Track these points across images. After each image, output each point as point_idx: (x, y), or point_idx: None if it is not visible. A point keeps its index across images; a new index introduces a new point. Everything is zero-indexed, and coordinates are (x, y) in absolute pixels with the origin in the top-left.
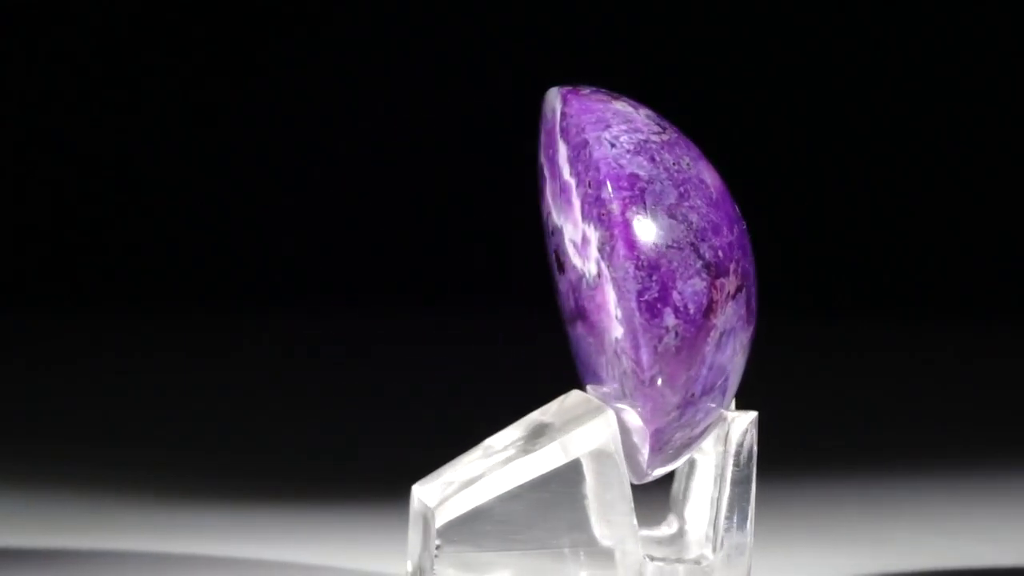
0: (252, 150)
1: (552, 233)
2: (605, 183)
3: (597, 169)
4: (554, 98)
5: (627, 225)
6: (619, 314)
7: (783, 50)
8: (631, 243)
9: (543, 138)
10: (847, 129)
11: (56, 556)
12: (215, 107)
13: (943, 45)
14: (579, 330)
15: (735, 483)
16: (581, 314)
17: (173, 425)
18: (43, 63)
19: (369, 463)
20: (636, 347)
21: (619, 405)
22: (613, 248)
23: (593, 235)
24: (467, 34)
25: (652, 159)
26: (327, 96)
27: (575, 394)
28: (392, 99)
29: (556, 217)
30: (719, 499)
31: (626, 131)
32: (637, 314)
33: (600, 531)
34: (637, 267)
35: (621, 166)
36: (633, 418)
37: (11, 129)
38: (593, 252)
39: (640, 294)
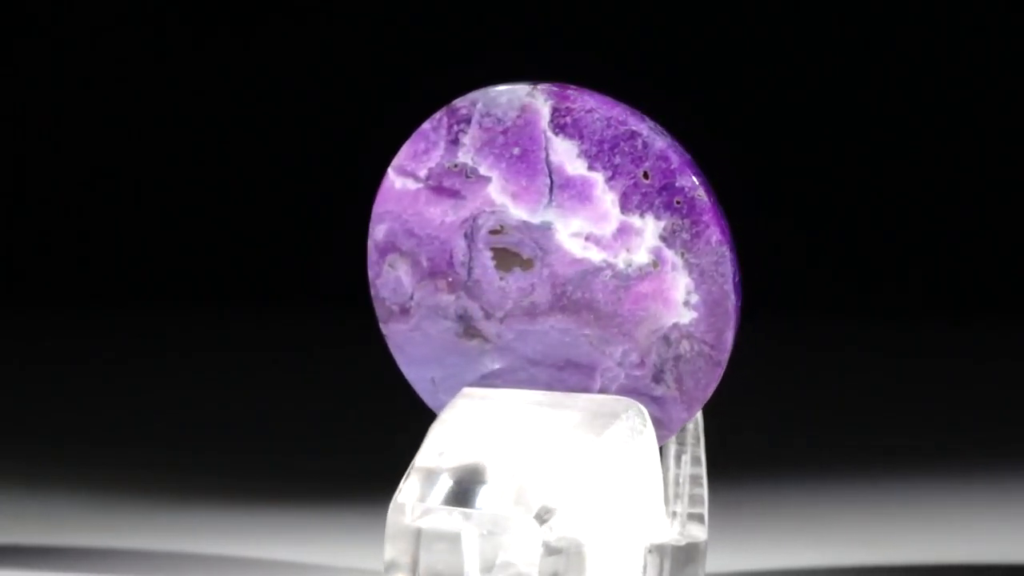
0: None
1: (493, 231)
2: (682, 171)
3: (666, 159)
4: (523, 96)
5: (715, 211)
6: (694, 299)
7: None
8: (723, 228)
9: (491, 139)
10: (837, 129)
11: (50, 555)
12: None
13: (946, 45)
14: (548, 323)
15: (700, 461)
16: (572, 306)
17: (169, 425)
18: (38, 65)
19: (366, 460)
20: (721, 329)
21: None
22: (699, 234)
23: (651, 224)
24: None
25: (682, 145)
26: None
27: (481, 391)
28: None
29: (523, 214)
30: (696, 478)
31: (653, 121)
32: (732, 296)
33: (640, 518)
34: (731, 250)
35: (682, 154)
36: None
37: (8, 130)
38: (647, 242)
39: (734, 276)
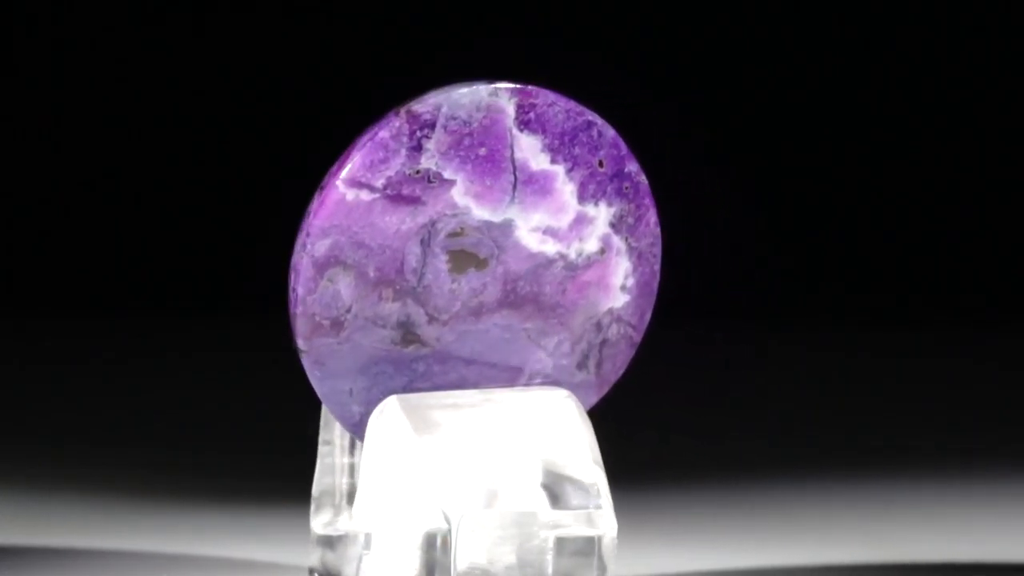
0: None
1: (453, 234)
2: (629, 157)
3: (617, 146)
4: (486, 96)
5: (653, 195)
6: (630, 283)
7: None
8: (658, 211)
9: (457, 141)
10: (837, 129)
11: (49, 556)
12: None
13: (946, 45)
14: (491, 321)
15: None
16: (519, 301)
17: (169, 425)
18: (31, 66)
19: None
20: (645, 309)
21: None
22: (641, 218)
23: (603, 212)
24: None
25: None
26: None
27: (411, 397)
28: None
29: (485, 213)
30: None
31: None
32: (658, 277)
33: None
34: (662, 232)
35: (625, 140)
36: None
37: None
38: (598, 230)
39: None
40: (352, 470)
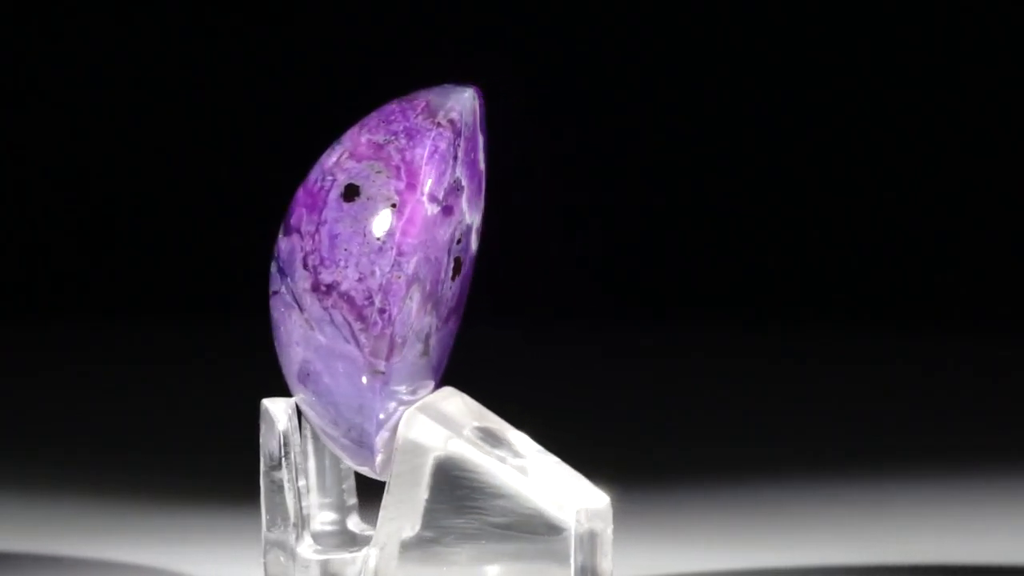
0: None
1: (457, 241)
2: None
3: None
4: (470, 100)
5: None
6: (465, 273)
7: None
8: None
9: (464, 145)
10: (822, 131)
11: (42, 560)
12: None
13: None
14: (451, 326)
15: None
16: (457, 304)
17: (163, 428)
18: (39, 65)
19: None
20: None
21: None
22: (481, 210)
23: (476, 206)
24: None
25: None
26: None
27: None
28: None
29: (468, 217)
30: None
31: None
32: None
33: None
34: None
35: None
36: None
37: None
38: (476, 224)
39: None
40: (301, 494)
